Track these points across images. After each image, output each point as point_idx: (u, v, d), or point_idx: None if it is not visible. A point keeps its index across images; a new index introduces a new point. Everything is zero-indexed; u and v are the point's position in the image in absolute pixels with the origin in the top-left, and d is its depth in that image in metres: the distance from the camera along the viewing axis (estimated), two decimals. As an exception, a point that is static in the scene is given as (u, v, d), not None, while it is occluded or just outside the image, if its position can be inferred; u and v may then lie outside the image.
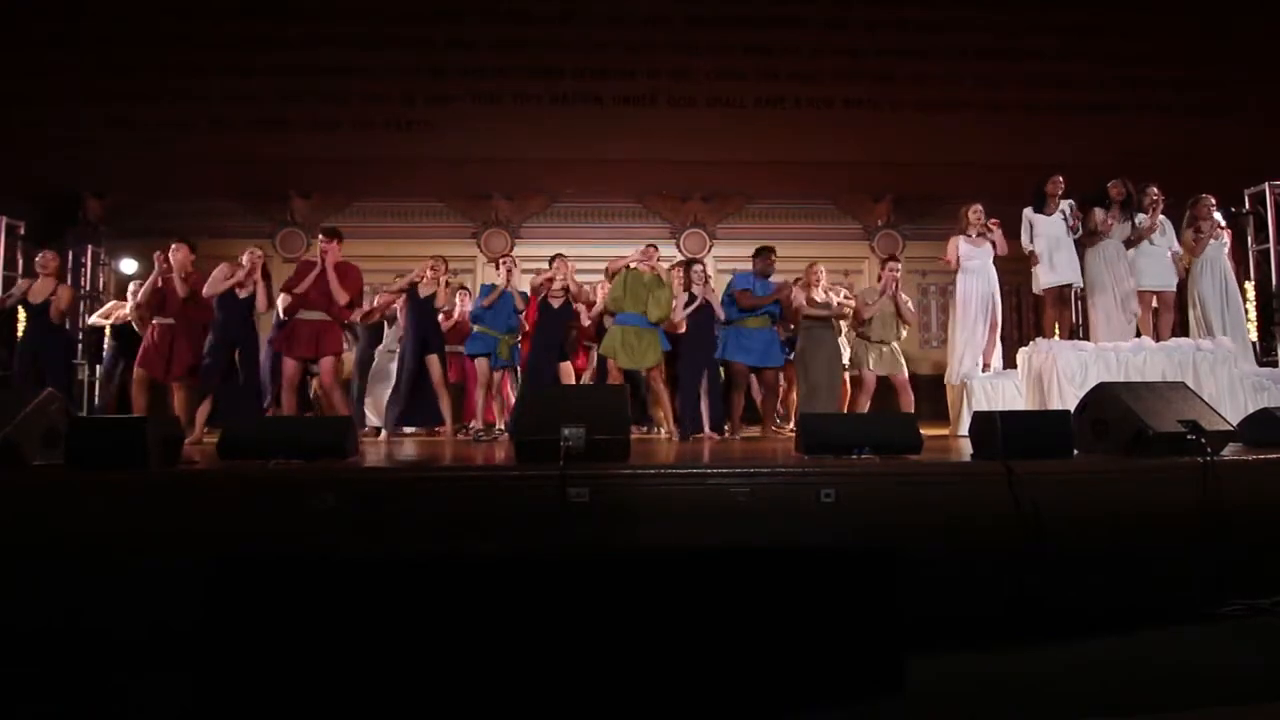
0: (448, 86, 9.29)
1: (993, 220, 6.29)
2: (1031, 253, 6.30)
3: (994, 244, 6.26)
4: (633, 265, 6.11)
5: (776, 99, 9.56)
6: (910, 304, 6.54)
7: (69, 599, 3.04)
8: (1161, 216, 6.33)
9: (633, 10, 9.40)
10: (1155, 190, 6.30)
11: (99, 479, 3.27)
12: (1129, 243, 6.29)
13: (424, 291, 6.28)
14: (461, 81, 9.31)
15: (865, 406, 6.27)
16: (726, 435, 6.09)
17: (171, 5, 8.97)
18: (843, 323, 6.61)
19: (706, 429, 6.04)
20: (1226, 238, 6.54)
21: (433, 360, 6.20)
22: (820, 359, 6.20)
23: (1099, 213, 6.22)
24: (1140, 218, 6.29)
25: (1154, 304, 6.44)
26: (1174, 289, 6.43)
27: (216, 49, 8.94)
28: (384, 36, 9.16)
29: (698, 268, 6.42)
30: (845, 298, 6.75)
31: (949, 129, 9.31)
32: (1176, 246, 6.40)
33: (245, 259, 5.88)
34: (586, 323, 6.96)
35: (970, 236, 6.27)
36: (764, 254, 6.42)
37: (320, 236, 6.02)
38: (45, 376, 6.00)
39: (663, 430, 6.58)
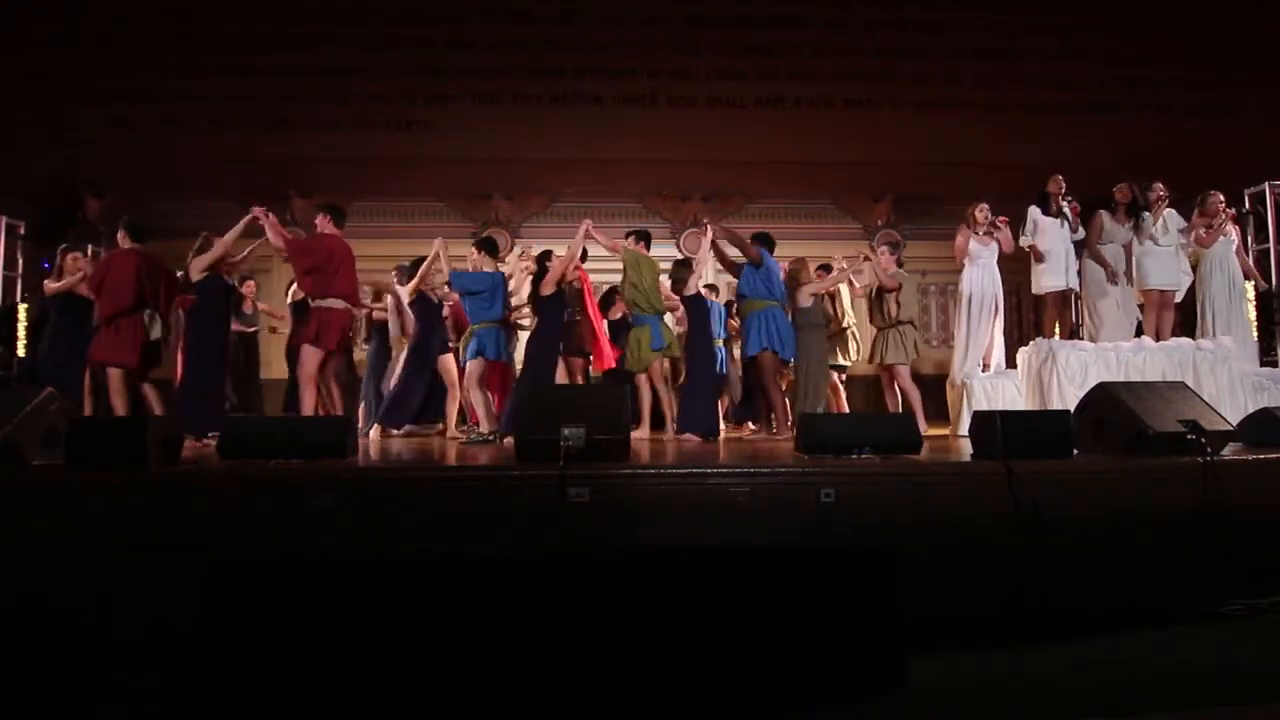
0: (448, 86, 9.28)
1: (1000, 218, 6.26)
2: (1032, 248, 6.30)
3: (1000, 242, 6.24)
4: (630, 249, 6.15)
5: (776, 99, 9.55)
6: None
7: (69, 599, 3.04)
8: (1172, 211, 6.33)
9: (633, 10, 9.39)
10: (1160, 186, 6.30)
11: (99, 479, 3.27)
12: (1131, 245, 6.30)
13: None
14: (461, 81, 9.30)
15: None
16: (768, 432, 6.04)
17: (171, 5, 8.96)
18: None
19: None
20: (1235, 236, 6.53)
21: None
22: (813, 359, 6.18)
23: (1104, 215, 6.21)
24: (1145, 216, 6.29)
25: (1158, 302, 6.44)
26: (1177, 289, 6.43)
27: (216, 49, 8.92)
28: (384, 36, 9.16)
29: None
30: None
31: (949, 129, 9.30)
32: (1183, 240, 6.40)
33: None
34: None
35: (978, 235, 6.26)
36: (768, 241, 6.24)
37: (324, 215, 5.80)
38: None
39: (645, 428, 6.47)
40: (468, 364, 6.03)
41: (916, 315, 6.41)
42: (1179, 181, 6.50)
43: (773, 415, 6.01)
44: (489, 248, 6.18)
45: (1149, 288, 6.33)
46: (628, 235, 6.38)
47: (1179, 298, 6.44)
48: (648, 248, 6.38)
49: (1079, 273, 6.32)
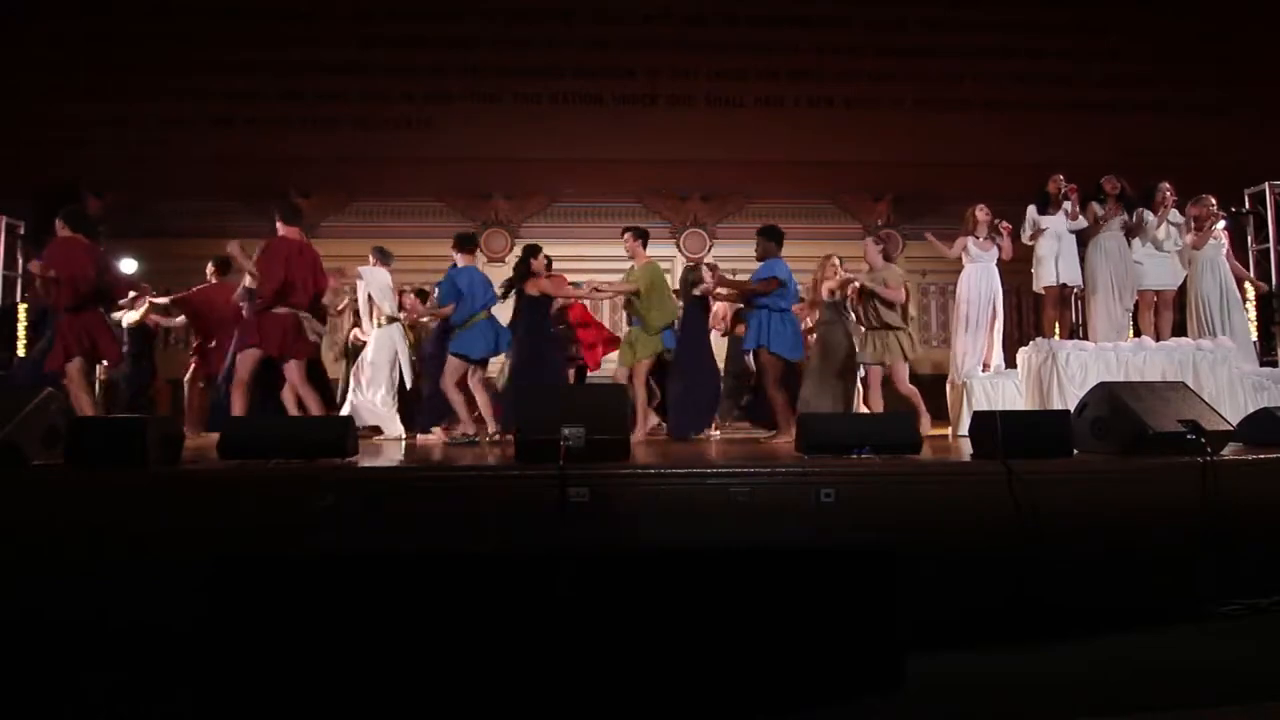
0: (448, 85, 9.31)
1: (1004, 225, 6.24)
2: (1035, 238, 6.28)
3: (1001, 248, 6.22)
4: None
5: (776, 99, 9.57)
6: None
7: (69, 599, 3.04)
8: (1174, 213, 6.33)
9: (633, 9, 9.41)
10: (1167, 187, 6.30)
11: (99, 479, 3.27)
12: (1130, 233, 6.29)
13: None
14: (461, 81, 9.32)
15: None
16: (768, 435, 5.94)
17: (172, 5, 8.98)
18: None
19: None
20: (1225, 239, 6.55)
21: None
22: (836, 356, 5.95)
23: (1095, 206, 6.23)
24: (1145, 214, 6.29)
25: (1153, 303, 6.45)
26: (1174, 289, 6.43)
27: (216, 48, 8.95)
28: (384, 36, 9.18)
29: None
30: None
31: (949, 129, 9.32)
32: (1180, 243, 6.40)
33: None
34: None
35: (978, 238, 6.23)
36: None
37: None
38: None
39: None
40: (450, 361, 5.92)
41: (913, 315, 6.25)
42: (1180, 181, 6.50)
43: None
44: (465, 245, 6.01)
45: (1144, 288, 6.33)
46: (625, 232, 6.19)
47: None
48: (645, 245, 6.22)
49: (1082, 268, 6.31)
